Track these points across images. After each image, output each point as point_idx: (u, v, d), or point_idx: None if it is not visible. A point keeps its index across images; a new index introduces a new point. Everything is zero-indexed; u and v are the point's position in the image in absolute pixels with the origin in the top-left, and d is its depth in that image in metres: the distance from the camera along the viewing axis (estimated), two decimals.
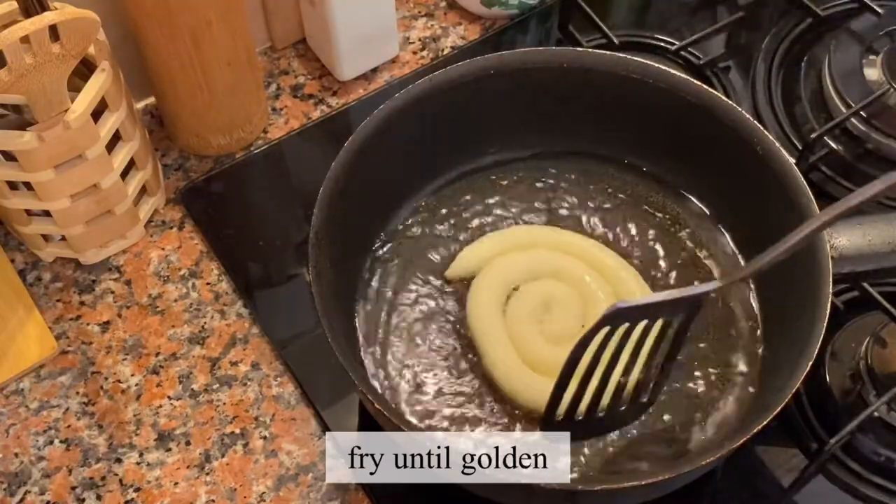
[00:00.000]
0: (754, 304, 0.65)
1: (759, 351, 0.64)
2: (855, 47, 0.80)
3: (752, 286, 0.66)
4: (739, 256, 0.67)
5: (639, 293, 0.65)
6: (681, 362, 0.63)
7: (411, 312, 0.66)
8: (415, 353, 0.64)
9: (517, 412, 0.61)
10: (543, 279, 0.66)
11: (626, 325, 0.54)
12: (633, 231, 0.69)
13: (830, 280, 0.57)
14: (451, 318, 0.65)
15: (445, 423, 0.61)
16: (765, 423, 0.53)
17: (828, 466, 0.64)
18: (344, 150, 0.62)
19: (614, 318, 0.53)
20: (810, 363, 0.54)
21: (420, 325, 0.65)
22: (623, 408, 0.59)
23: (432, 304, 0.66)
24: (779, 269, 0.62)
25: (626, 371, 0.58)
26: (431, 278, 0.67)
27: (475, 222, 0.70)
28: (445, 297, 0.66)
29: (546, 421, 0.59)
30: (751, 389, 0.62)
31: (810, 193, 0.60)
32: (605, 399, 0.58)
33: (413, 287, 0.67)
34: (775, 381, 0.57)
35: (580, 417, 0.59)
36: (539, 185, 0.71)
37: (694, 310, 0.56)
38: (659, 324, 0.56)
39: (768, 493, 0.63)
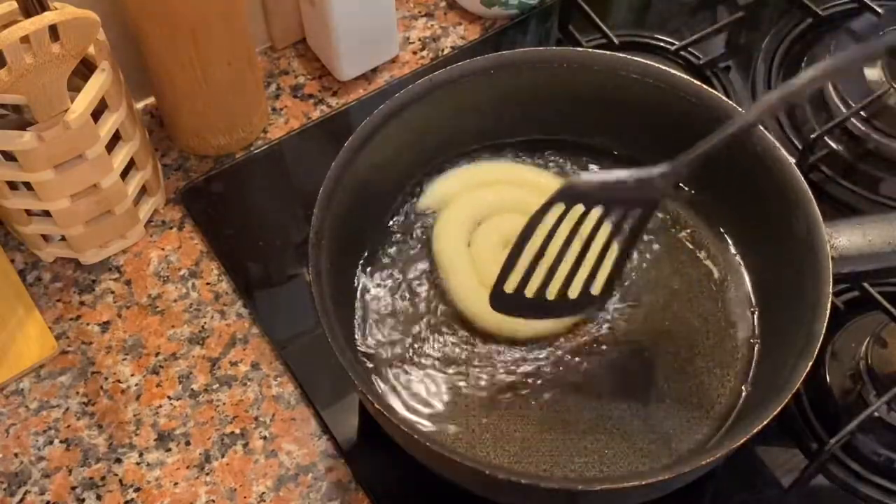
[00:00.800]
0: (754, 304, 0.65)
1: (758, 350, 0.64)
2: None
3: (751, 286, 0.66)
4: (739, 257, 0.67)
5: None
6: (680, 362, 0.63)
7: (412, 312, 0.66)
8: (416, 353, 0.64)
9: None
10: (508, 213, 0.67)
11: (581, 207, 0.56)
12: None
13: (830, 280, 0.57)
14: (453, 320, 0.65)
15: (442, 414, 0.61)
16: (765, 423, 0.53)
17: (828, 466, 0.64)
18: (344, 150, 0.62)
19: (569, 194, 0.55)
20: (810, 363, 0.54)
21: (422, 325, 0.65)
22: (573, 297, 0.60)
23: (435, 303, 0.66)
24: (779, 268, 0.62)
25: (579, 260, 0.59)
26: (431, 277, 0.67)
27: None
28: (446, 297, 0.66)
29: (495, 295, 0.60)
30: (748, 389, 0.62)
31: (810, 193, 0.60)
32: (556, 282, 0.59)
33: (413, 287, 0.67)
34: (775, 381, 0.57)
35: (529, 296, 0.59)
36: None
37: (648, 207, 0.58)
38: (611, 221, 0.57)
39: (768, 493, 0.63)
